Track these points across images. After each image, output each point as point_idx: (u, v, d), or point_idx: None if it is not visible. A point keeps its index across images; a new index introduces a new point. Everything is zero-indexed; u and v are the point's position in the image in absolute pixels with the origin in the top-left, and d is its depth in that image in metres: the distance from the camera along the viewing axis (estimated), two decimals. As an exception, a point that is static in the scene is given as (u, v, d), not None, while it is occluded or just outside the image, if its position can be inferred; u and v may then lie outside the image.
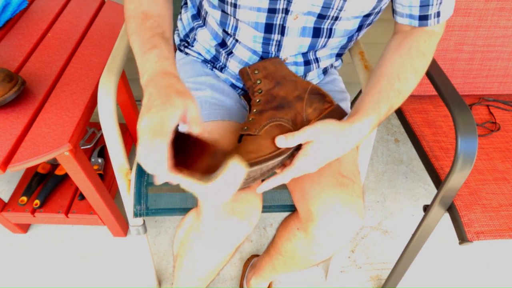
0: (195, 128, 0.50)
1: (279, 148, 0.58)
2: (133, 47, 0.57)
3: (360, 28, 0.68)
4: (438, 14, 0.63)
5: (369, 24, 0.68)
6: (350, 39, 0.71)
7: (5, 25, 1.02)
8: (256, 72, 0.68)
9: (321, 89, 0.67)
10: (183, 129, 0.57)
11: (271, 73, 0.68)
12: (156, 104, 0.48)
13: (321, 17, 0.62)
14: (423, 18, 0.64)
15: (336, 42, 0.69)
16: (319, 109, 0.65)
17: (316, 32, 0.65)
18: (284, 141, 0.56)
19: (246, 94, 0.75)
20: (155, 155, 0.45)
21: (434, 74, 0.83)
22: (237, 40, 0.70)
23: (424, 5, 0.62)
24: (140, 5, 0.59)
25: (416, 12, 0.63)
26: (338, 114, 0.66)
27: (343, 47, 0.74)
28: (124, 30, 0.86)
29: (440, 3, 0.62)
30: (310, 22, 0.63)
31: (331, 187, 0.63)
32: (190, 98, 0.50)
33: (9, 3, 1.03)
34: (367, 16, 0.64)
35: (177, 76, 0.53)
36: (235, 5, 0.61)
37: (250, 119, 0.64)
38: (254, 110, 0.65)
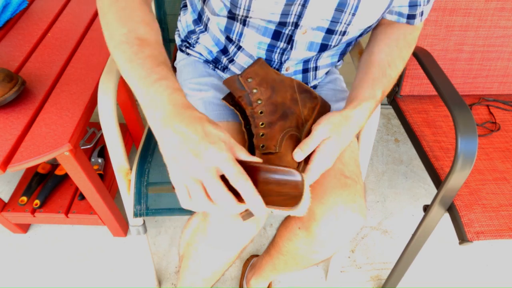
0: (241, 154, 0.47)
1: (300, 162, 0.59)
2: (130, 76, 0.50)
3: (360, 35, 0.70)
4: (422, 13, 0.69)
5: (369, 31, 0.70)
6: (349, 44, 0.73)
7: (5, 25, 1.02)
8: (249, 80, 0.64)
9: (303, 84, 0.68)
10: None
11: (263, 78, 0.65)
12: (205, 143, 0.44)
13: (330, 32, 0.63)
14: (411, 17, 0.69)
15: (335, 49, 0.71)
16: (311, 108, 0.67)
17: (323, 48, 0.67)
18: (302, 154, 0.58)
19: (233, 104, 0.69)
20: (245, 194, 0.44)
21: (434, 74, 0.83)
22: (239, 48, 0.70)
23: (413, 5, 0.67)
24: (135, 31, 0.52)
25: (406, 11, 0.68)
26: (326, 107, 0.70)
27: (342, 53, 0.76)
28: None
29: (425, 4, 0.67)
30: (319, 38, 0.65)
31: (334, 188, 0.63)
32: (220, 127, 0.48)
33: (9, 3, 1.03)
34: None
35: (196, 108, 0.49)
36: (246, 17, 0.62)
37: (261, 134, 0.61)
38: (261, 124, 0.62)
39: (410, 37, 0.71)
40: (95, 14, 1.08)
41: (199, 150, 0.44)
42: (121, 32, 0.52)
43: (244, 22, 0.64)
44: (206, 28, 0.73)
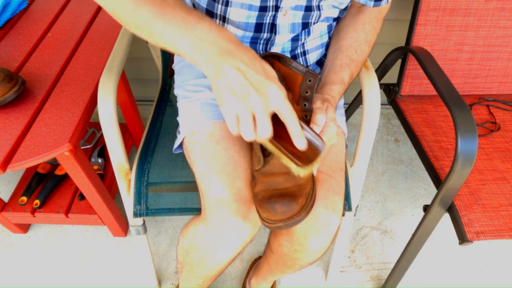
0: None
1: None
2: (166, 28, 0.49)
3: (337, 18, 0.72)
4: None
5: (345, 9, 0.72)
6: (329, 28, 0.75)
7: (5, 25, 1.02)
8: (309, 81, 0.61)
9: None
10: None
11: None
12: (267, 81, 0.48)
13: (308, 9, 0.65)
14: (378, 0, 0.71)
15: (319, 29, 0.72)
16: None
17: (305, 26, 0.69)
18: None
19: None
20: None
21: (434, 74, 0.83)
22: None
23: None
24: None
25: None
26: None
27: (325, 34, 0.76)
28: (125, 30, 0.86)
29: None
30: (299, 17, 0.66)
31: None
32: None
33: (9, 3, 1.03)
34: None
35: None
36: (227, 3, 0.62)
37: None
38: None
39: (375, 21, 0.73)
40: (95, 14, 1.08)
41: (261, 87, 0.47)
42: None
43: (224, 19, 0.65)
44: None
